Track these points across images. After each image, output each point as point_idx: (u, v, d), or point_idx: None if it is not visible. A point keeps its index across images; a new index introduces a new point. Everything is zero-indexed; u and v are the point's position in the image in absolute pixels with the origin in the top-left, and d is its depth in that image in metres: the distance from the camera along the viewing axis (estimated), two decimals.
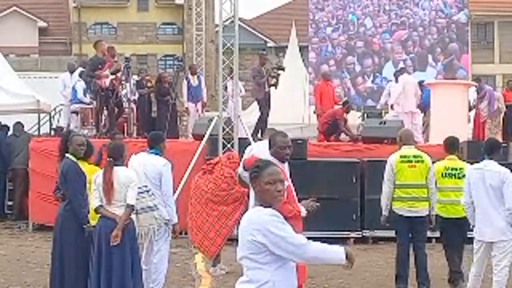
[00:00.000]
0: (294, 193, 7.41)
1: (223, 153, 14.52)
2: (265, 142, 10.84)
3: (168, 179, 9.23)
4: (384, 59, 27.15)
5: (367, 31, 27.44)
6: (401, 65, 24.14)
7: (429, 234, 10.49)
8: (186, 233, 13.95)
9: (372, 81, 26.64)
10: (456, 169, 10.17)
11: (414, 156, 10.00)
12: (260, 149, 10.02)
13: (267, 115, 17.38)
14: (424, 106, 18.54)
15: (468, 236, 9.75)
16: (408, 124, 16.51)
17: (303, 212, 7.29)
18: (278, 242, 4.51)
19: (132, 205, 8.29)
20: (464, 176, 10.09)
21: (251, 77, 17.77)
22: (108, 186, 8.26)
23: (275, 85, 17.58)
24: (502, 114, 18.93)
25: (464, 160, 10.69)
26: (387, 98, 19.31)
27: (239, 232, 4.70)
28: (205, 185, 11.10)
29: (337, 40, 27.55)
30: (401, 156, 10.02)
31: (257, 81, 17.30)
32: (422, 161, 9.95)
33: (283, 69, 18.29)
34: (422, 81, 19.90)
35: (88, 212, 8.48)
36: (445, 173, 10.16)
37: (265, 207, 4.65)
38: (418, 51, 27.05)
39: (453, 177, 10.10)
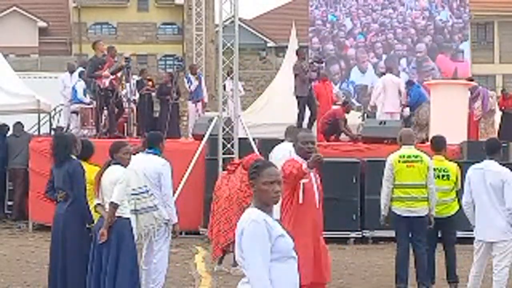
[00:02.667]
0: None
1: (223, 153, 14.55)
2: (286, 145, 10.96)
3: (168, 179, 9.23)
4: (353, 63, 26.77)
5: (341, 33, 27.10)
6: (370, 68, 23.85)
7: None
8: (186, 233, 14.00)
9: (339, 87, 26.23)
10: (440, 170, 10.16)
11: (413, 156, 9.98)
12: (281, 150, 10.26)
13: (315, 112, 17.01)
14: (412, 105, 18.54)
15: (468, 236, 9.75)
16: None
17: (305, 168, 7.22)
18: (245, 252, 4.61)
19: (115, 203, 8.21)
20: (448, 177, 10.14)
21: (293, 75, 16.95)
22: (96, 183, 8.31)
23: (318, 79, 17.21)
24: (500, 114, 18.93)
25: (451, 160, 10.67)
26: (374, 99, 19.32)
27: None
28: (225, 185, 11.11)
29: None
30: (400, 156, 10.02)
31: (301, 77, 16.66)
32: (421, 161, 9.93)
33: (322, 62, 17.78)
34: (411, 81, 19.87)
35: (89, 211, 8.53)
36: None
37: (259, 208, 4.69)
38: (391, 54, 26.73)
39: (438, 178, 10.09)
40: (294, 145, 7.69)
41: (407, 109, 19.03)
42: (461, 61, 27.47)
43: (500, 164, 9.03)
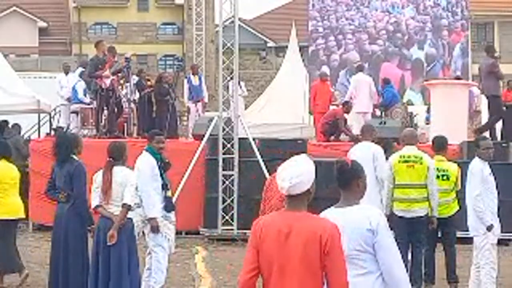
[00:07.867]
0: None
1: (223, 153, 14.54)
2: (368, 145, 10.88)
3: (139, 181, 9.06)
4: None
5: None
6: None
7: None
8: (186, 233, 13.98)
9: None
10: (440, 170, 10.15)
11: (414, 157, 9.99)
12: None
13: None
14: (385, 106, 18.50)
15: (468, 236, 9.74)
16: (360, 124, 16.24)
17: None
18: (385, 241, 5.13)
19: (129, 205, 8.27)
20: (448, 177, 10.14)
21: (486, 73, 15.81)
22: (106, 186, 8.29)
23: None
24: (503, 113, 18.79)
25: (450, 160, 10.67)
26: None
27: (346, 229, 4.87)
28: (274, 186, 11.08)
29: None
30: (400, 156, 10.03)
31: (498, 75, 15.86)
32: (421, 162, 9.94)
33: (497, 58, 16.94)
34: (388, 79, 19.80)
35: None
36: None
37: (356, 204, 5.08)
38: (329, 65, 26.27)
39: (438, 178, 10.09)
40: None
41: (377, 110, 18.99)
42: (409, 69, 26.89)
43: (501, 164, 9.04)
